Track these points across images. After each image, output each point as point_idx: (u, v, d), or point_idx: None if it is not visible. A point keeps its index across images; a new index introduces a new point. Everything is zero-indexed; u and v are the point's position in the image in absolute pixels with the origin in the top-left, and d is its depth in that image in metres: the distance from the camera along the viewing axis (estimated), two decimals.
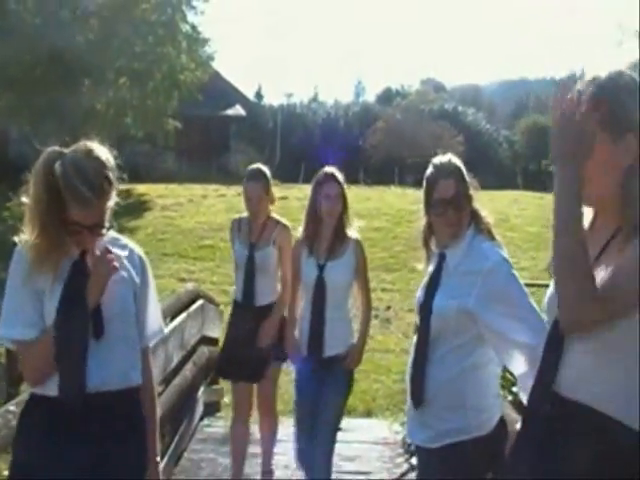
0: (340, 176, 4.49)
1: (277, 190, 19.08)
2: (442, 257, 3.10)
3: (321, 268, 4.40)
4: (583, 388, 1.98)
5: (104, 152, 2.49)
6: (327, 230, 4.46)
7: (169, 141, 27.75)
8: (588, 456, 1.94)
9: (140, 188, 22.09)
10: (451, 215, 3.05)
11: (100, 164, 2.45)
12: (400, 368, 3.56)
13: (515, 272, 2.93)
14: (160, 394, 4.58)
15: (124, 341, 2.59)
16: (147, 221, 17.76)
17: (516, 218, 16.36)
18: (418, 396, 3.04)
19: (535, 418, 2.13)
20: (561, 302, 1.91)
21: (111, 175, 2.47)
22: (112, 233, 2.65)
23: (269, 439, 5.01)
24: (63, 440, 2.47)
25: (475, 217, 3.10)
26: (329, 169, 4.51)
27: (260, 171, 4.86)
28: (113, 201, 2.51)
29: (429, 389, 3.02)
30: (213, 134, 33.38)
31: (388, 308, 10.77)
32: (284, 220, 4.93)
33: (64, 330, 2.46)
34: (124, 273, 2.61)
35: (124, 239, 2.73)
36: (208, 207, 19.22)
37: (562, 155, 1.94)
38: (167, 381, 4.84)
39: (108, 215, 2.53)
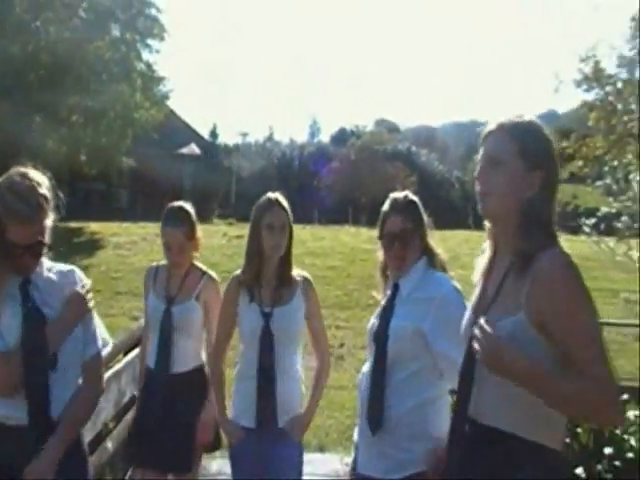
0: (286, 203, 3.69)
1: (233, 229, 18.89)
2: (396, 287, 3.20)
3: (267, 316, 3.59)
4: (496, 413, 2.15)
5: (37, 174, 2.57)
6: (271, 269, 3.65)
7: (123, 179, 27.64)
8: (503, 475, 2.11)
9: (93, 226, 21.92)
10: (397, 249, 3.17)
11: (35, 183, 2.52)
12: (353, 404, 3.52)
13: (466, 302, 3.05)
14: (112, 429, 4.55)
15: (70, 371, 2.64)
16: (100, 259, 17.59)
17: (466, 257, 16.57)
18: (376, 423, 3.07)
19: (454, 442, 2.29)
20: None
21: (47, 193, 2.54)
22: (47, 262, 2.70)
23: None
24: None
25: (428, 251, 3.21)
26: (272, 194, 3.69)
27: (182, 211, 4.03)
28: (51, 220, 2.57)
29: (389, 417, 3.05)
30: (168, 173, 33.33)
31: (341, 345, 10.83)
32: (211, 271, 4.11)
33: (26, 361, 2.50)
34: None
35: (59, 265, 2.77)
36: (162, 246, 19.11)
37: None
38: (119, 416, 4.75)
39: (48, 235, 2.57)
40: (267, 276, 3.66)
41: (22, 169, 2.56)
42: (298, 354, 3.71)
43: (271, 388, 3.56)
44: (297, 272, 3.74)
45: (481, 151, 2.28)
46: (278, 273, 3.66)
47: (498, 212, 2.23)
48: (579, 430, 4.51)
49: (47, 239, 2.57)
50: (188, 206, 4.06)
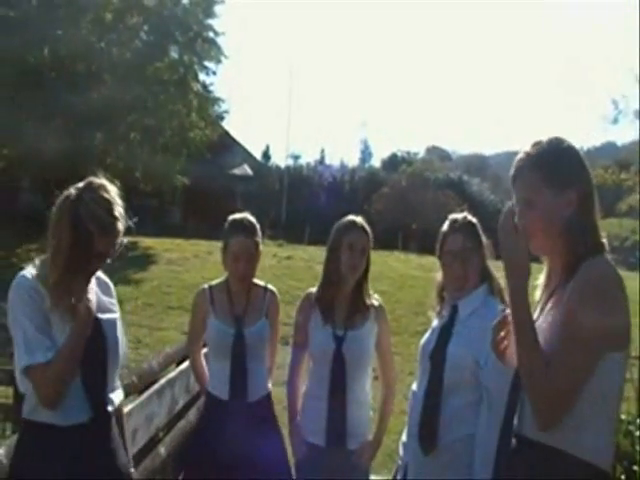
0: (368, 227, 3.68)
1: (283, 250, 19.07)
2: (454, 308, 3.20)
3: (340, 340, 3.58)
4: (526, 424, 2.18)
5: (114, 188, 2.71)
6: (346, 291, 3.64)
7: (176, 197, 28.03)
8: None
9: (146, 241, 22.24)
10: (457, 268, 3.19)
11: (115, 196, 2.67)
12: (399, 428, 3.49)
13: None
14: (165, 435, 4.61)
15: (116, 364, 2.78)
16: (153, 274, 17.81)
17: None
18: (429, 443, 3.06)
19: (500, 454, 2.31)
20: (534, 410, 2.15)
21: (121, 207, 2.69)
22: None
23: None
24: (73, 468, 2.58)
25: (488, 277, 3.21)
26: (355, 216, 3.70)
27: (251, 222, 3.82)
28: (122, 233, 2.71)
29: (443, 441, 3.04)
30: (220, 192, 33.65)
31: None
32: (270, 285, 3.96)
33: (86, 361, 2.61)
34: (112, 301, 2.84)
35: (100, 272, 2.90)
36: (214, 263, 19.25)
37: (511, 274, 2.21)
38: (172, 423, 4.81)
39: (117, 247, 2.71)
40: (342, 298, 3.65)
41: (99, 181, 2.69)
42: (368, 378, 3.71)
43: (342, 410, 3.58)
44: (372, 299, 3.73)
45: (514, 194, 2.33)
46: (353, 297, 3.65)
47: (546, 247, 2.27)
48: (635, 468, 4.41)
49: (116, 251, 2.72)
50: (253, 218, 3.87)
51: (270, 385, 3.93)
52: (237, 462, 3.58)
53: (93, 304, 2.65)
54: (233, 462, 3.58)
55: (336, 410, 3.57)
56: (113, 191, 2.68)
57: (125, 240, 2.71)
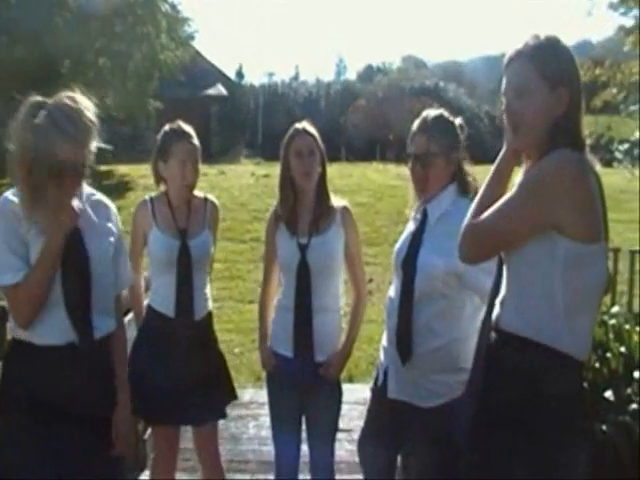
0: (313, 130, 3.54)
1: (261, 168, 18.92)
2: (424, 213, 3.11)
3: (303, 248, 3.48)
4: (516, 320, 2.25)
5: (85, 99, 2.62)
6: (307, 199, 3.53)
7: (150, 122, 27.58)
8: (521, 381, 2.21)
9: (122, 169, 22.01)
10: (418, 171, 3.09)
11: (83, 107, 2.58)
12: (381, 337, 3.52)
13: None
14: None
15: (104, 288, 2.73)
16: (130, 201, 17.62)
17: None
18: (405, 354, 3.06)
19: (479, 349, 2.40)
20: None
21: (93, 117, 2.60)
22: (87, 188, 2.78)
23: None
24: (56, 389, 2.60)
25: (459, 176, 3.11)
26: (299, 124, 3.57)
27: (189, 128, 3.70)
28: (95, 144, 2.63)
29: (418, 352, 3.04)
30: (194, 114, 32.98)
31: (370, 281, 10.84)
32: (210, 196, 3.82)
33: (68, 283, 2.60)
34: (108, 225, 2.78)
35: (98, 194, 2.86)
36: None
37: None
38: None
39: (90, 159, 2.64)
40: (303, 207, 3.55)
41: (71, 93, 2.62)
42: (338, 287, 3.62)
43: (308, 320, 3.49)
44: (337, 202, 3.61)
45: (504, 82, 2.30)
46: (315, 203, 3.54)
47: (530, 141, 2.26)
48: (608, 355, 4.53)
49: (90, 162, 2.65)
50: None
51: (210, 303, 3.78)
52: (186, 387, 3.54)
53: (71, 221, 2.60)
54: (183, 387, 3.53)
55: (302, 321, 3.49)
56: (83, 103, 2.60)
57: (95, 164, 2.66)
